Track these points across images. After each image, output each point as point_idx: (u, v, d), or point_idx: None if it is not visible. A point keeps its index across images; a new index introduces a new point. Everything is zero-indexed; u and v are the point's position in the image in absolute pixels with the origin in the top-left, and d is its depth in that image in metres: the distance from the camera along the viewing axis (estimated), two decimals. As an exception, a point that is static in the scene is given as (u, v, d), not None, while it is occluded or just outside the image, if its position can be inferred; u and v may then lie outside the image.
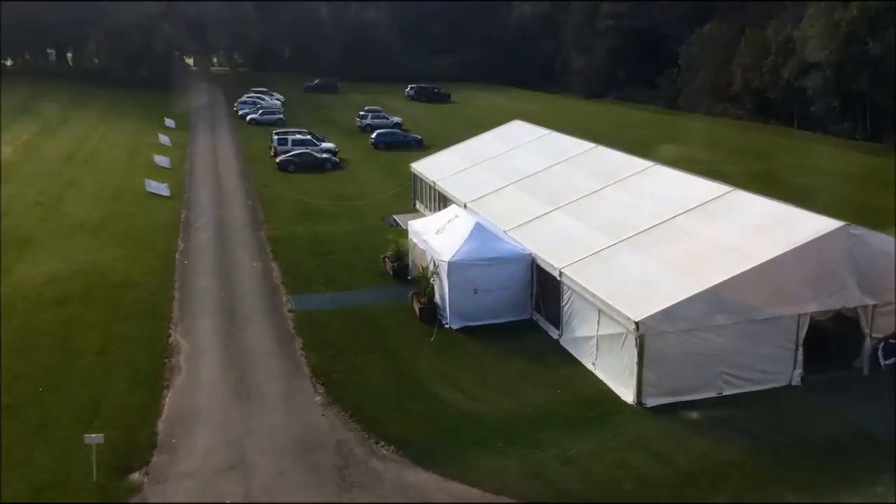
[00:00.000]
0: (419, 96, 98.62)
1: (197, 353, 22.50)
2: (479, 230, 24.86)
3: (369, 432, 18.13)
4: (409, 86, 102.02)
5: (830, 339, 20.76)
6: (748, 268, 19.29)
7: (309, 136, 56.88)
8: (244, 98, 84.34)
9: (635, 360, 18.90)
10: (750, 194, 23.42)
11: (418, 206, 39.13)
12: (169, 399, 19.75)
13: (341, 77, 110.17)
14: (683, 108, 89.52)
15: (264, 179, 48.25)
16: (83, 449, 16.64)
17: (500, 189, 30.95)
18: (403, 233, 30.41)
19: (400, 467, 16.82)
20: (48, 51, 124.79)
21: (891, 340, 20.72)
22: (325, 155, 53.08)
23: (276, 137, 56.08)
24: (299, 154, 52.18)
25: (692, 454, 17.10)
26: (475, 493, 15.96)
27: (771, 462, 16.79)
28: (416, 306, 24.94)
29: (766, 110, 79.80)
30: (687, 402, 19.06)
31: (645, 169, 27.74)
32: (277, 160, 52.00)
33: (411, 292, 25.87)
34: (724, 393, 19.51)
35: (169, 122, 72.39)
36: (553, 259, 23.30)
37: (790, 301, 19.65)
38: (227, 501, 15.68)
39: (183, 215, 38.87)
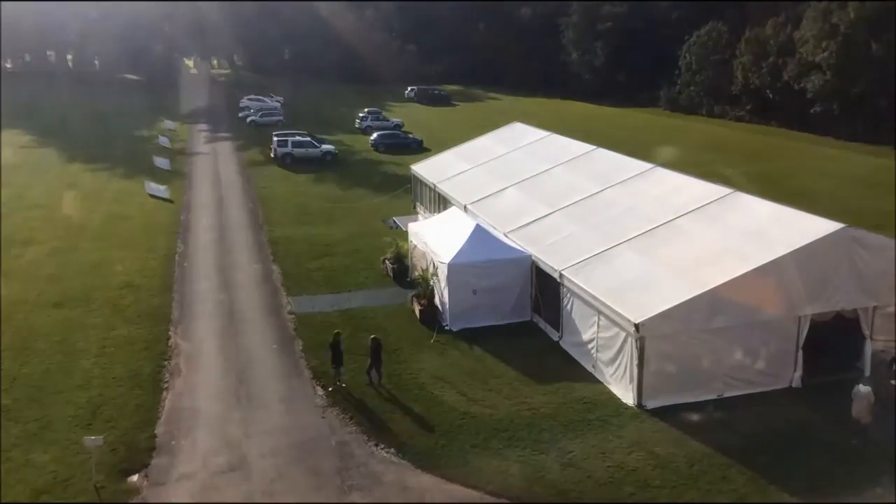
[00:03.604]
0: (420, 98, 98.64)
1: (197, 355, 22.49)
2: (478, 232, 24.85)
3: (369, 434, 18.13)
4: (410, 88, 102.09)
5: (831, 341, 20.71)
6: (748, 270, 19.27)
7: (308, 138, 57.00)
8: (245, 102, 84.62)
9: (635, 361, 18.90)
10: (750, 196, 23.39)
11: (418, 207, 39.11)
12: (168, 401, 19.73)
13: (341, 79, 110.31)
14: (684, 110, 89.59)
15: (264, 181, 48.29)
16: (83, 451, 16.66)
17: (500, 191, 30.93)
18: (403, 235, 30.41)
19: (400, 469, 16.82)
20: (48, 52, 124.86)
21: None
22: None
23: (276, 139, 56.28)
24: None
25: (693, 456, 17.09)
26: (475, 495, 15.95)
27: (771, 464, 16.78)
28: (417, 308, 24.92)
29: (767, 112, 79.87)
30: (687, 404, 19.05)
31: (645, 171, 27.72)
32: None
33: (411, 294, 25.85)
34: (725, 395, 19.49)
35: (169, 124, 72.45)
36: (553, 261, 23.29)
37: (790, 303, 19.65)
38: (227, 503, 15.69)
39: (183, 217, 38.88)
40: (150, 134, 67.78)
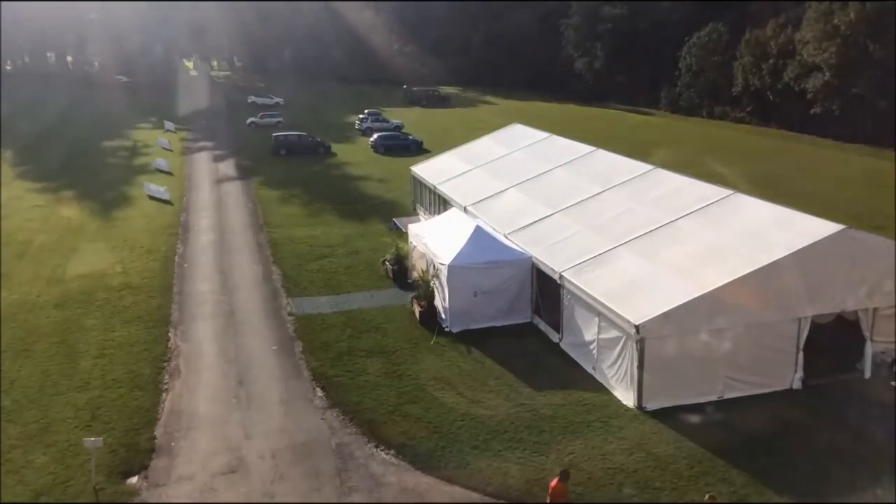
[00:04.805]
0: (419, 100, 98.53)
1: (196, 357, 22.47)
2: (478, 233, 24.82)
3: (369, 436, 18.10)
4: (410, 89, 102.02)
5: (831, 343, 20.70)
6: (749, 271, 19.25)
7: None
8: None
9: (636, 363, 18.87)
10: (750, 197, 23.38)
11: (418, 209, 39.09)
12: (168, 402, 19.71)
13: (341, 80, 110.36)
14: (684, 112, 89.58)
15: (263, 182, 48.25)
16: (82, 453, 16.64)
17: (500, 192, 30.91)
18: (403, 236, 30.40)
19: (400, 471, 16.79)
20: (48, 54, 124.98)
21: None
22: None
23: (275, 139, 56.63)
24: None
25: (693, 458, 17.07)
26: (475, 496, 15.93)
27: (771, 466, 16.76)
28: (416, 310, 24.90)
29: (767, 113, 79.87)
30: (687, 405, 19.03)
31: (645, 172, 27.70)
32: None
33: (411, 295, 25.83)
34: (725, 396, 19.47)
35: (168, 125, 72.45)
36: (553, 262, 23.27)
37: (791, 304, 19.63)
38: (227, 505, 15.66)
39: (182, 218, 38.86)
40: (150, 136, 67.78)
